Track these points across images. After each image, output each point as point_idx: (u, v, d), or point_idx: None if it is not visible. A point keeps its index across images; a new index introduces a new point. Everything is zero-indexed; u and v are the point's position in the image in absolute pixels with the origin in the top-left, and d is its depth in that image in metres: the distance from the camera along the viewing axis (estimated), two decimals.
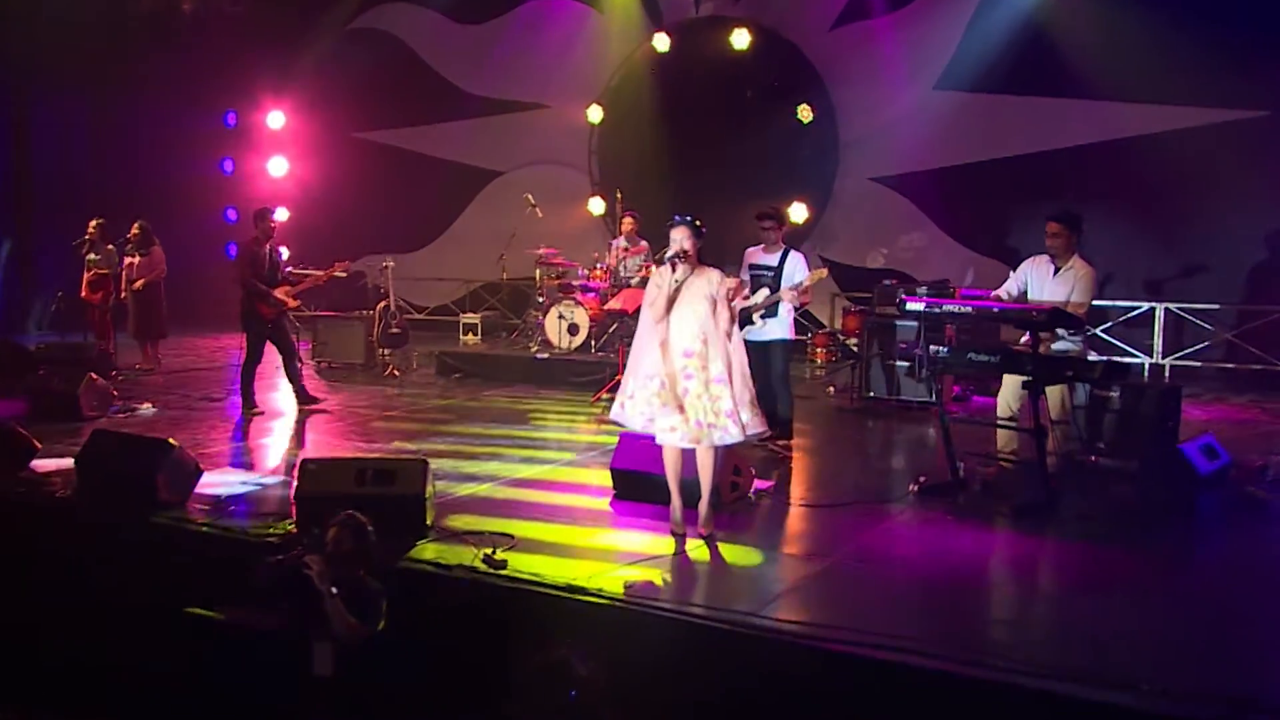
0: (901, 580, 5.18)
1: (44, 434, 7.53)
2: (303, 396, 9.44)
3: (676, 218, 5.71)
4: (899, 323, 9.28)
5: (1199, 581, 5.40)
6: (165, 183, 14.98)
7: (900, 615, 4.63)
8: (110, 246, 11.51)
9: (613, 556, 5.38)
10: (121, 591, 5.63)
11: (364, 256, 14.20)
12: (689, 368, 5.53)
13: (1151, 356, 11.75)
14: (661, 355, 5.59)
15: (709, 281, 5.59)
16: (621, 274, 11.57)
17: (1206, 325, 11.64)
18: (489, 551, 5.27)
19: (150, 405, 9.32)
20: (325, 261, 10.49)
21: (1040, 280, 6.60)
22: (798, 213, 13.21)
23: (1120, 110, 11.77)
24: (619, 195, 12.66)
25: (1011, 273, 6.86)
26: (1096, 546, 5.69)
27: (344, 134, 16.61)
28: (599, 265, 11.96)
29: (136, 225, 11.57)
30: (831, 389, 10.77)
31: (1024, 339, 6.57)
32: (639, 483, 6.26)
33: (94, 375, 8.97)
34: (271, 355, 9.41)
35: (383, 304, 11.92)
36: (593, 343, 11.53)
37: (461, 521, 5.86)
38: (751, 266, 7.66)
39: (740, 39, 13.52)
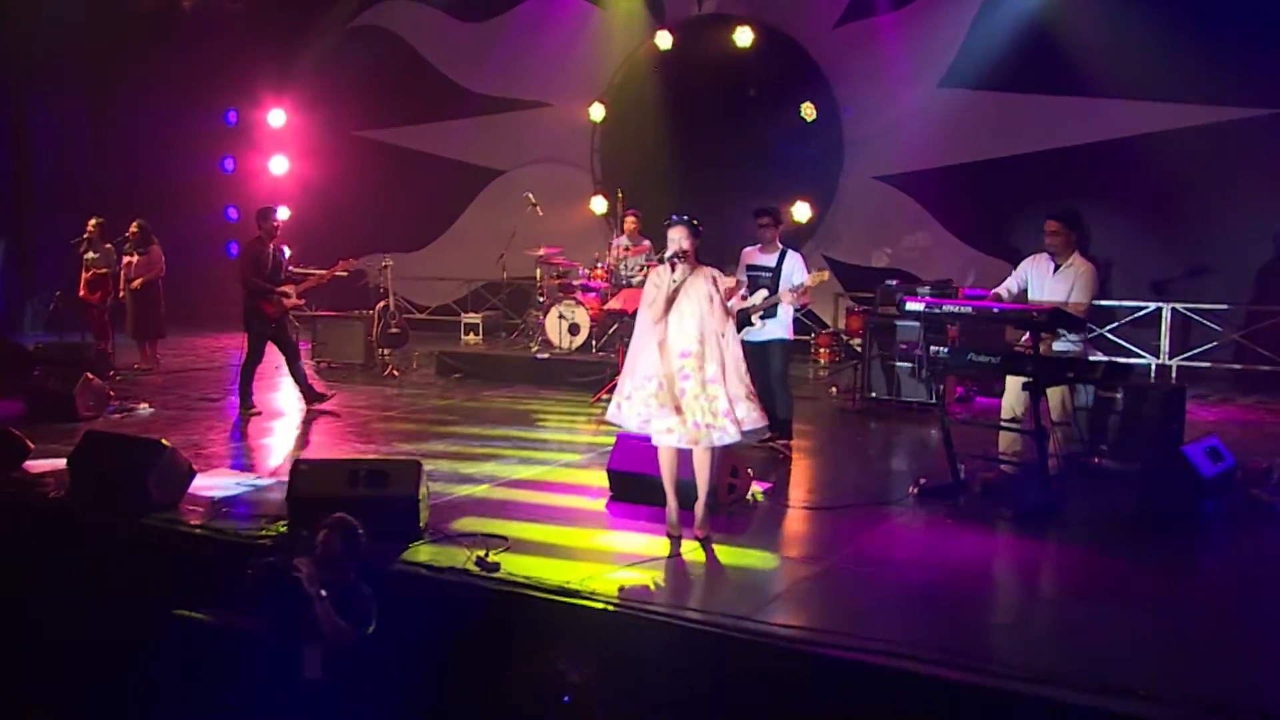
0: (900, 584, 5.11)
1: (39, 434, 7.52)
2: (309, 394, 9.38)
3: (674, 217, 5.66)
4: (899, 323, 9.21)
5: (1201, 586, 5.33)
6: (166, 181, 14.95)
7: (898, 620, 4.58)
8: (109, 246, 11.47)
9: (607, 559, 5.33)
10: (112, 593, 5.59)
11: (365, 255, 14.10)
12: (686, 368, 5.48)
13: (1158, 357, 11.65)
14: (659, 356, 5.53)
15: (707, 281, 5.54)
16: (622, 273, 11.51)
17: (1214, 326, 11.54)
18: (482, 554, 5.22)
19: (147, 405, 9.28)
20: (326, 260, 10.44)
21: (1040, 279, 6.54)
22: (801, 212, 13.16)
23: (1127, 108, 11.67)
24: (620, 194, 12.59)
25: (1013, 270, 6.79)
26: (1097, 550, 5.62)
27: (345, 132, 16.56)
28: (600, 265, 11.89)
29: (135, 224, 11.53)
30: (834, 390, 10.69)
31: (1024, 339, 6.50)
32: (636, 484, 6.21)
33: (90, 375, 8.92)
34: (271, 356, 9.36)
35: (382, 304, 11.87)
36: (593, 343, 11.47)
37: (456, 523, 5.81)
38: (749, 267, 7.59)
39: (743, 37, 13.43)
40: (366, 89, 16.03)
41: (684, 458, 5.58)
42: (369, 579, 4.87)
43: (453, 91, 15.85)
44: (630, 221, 11.80)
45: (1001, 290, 6.72)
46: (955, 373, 8.33)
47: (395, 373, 11.58)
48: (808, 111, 13.29)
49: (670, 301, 5.51)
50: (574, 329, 11.47)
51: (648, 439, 5.66)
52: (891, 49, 12.96)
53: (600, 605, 4.73)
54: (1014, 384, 6.46)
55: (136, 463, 6.17)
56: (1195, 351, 11.60)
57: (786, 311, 7.55)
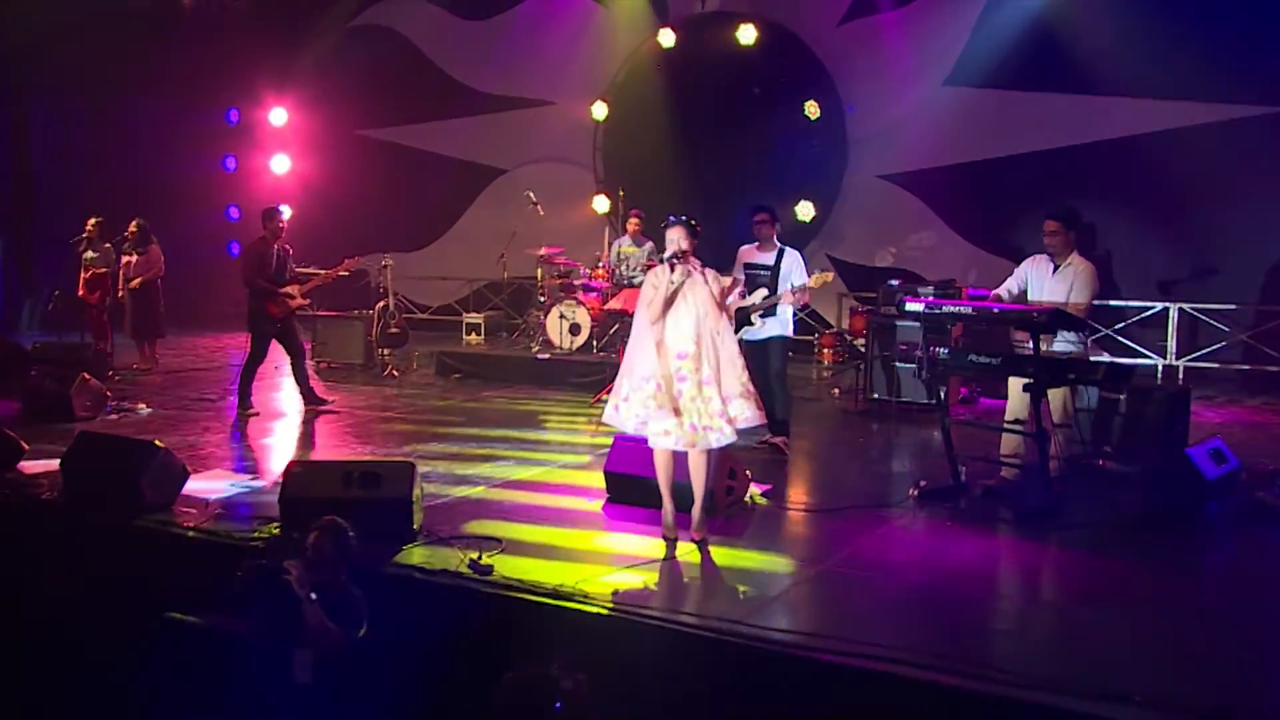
0: (898, 588, 5.05)
1: (36, 435, 7.51)
2: (309, 397, 9.33)
3: (671, 218, 5.63)
4: (900, 323, 9.14)
5: (1202, 590, 5.26)
6: (167, 181, 14.94)
7: (896, 624, 4.53)
8: (108, 245, 11.43)
9: (603, 561, 5.29)
10: (105, 595, 5.55)
11: (368, 255, 14.06)
12: (683, 369, 5.43)
13: (1165, 358, 11.54)
14: (657, 356, 5.47)
15: (705, 282, 5.48)
16: (624, 273, 11.44)
17: (1222, 326, 11.43)
18: (475, 556, 5.18)
19: (145, 406, 9.23)
20: (327, 260, 10.40)
21: (1039, 279, 6.48)
22: (804, 211, 13.09)
23: (1133, 106, 11.58)
24: (621, 193, 12.54)
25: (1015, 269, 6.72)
26: (1098, 553, 5.55)
27: (347, 131, 16.55)
28: (601, 264, 11.83)
29: (134, 223, 11.48)
30: (836, 391, 10.62)
31: (1022, 339, 6.43)
32: (632, 486, 6.16)
33: (87, 375, 8.88)
34: (271, 356, 9.32)
35: (381, 303, 11.82)
36: (594, 343, 11.40)
37: (450, 525, 5.77)
38: (747, 265, 7.52)
39: (746, 34, 13.36)
40: (368, 88, 16.02)
41: (680, 460, 5.53)
42: (361, 582, 4.82)
43: (455, 90, 15.81)
44: (633, 223, 11.74)
45: (1001, 292, 6.66)
46: (956, 374, 8.26)
47: (395, 373, 11.53)
48: (811, 110, 13.22)
49: (668, 302, 5.46)
50: (575, 329, 11.41)
51: (644, 441, 5.60)
52: (896, 47, 12.87)
53: (594, 609, 4.67)
54: (1016, 385, 6.39)
55: (130, 464, 6.14)
56: (1203, 352, 11.50)
57: (786, 309, 7.49)
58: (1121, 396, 6.72)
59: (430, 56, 16.04)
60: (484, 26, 15.61)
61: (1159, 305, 11.61)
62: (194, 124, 16.10)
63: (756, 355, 7.52)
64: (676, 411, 5.37)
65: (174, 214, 13.67)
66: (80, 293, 11.43)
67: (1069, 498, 6.16)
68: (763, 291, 7.37)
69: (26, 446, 7.02)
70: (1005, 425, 6.55)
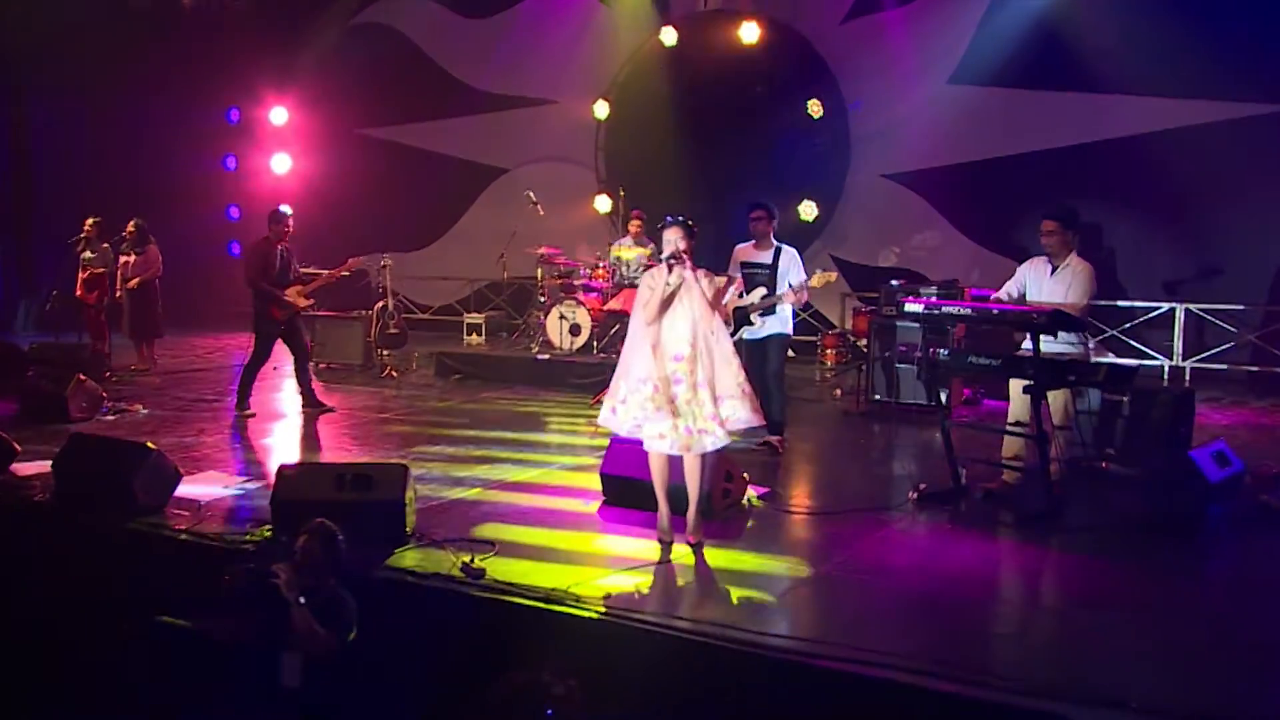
0: (897, 592, 4.98)
1: (32, 436, 7.48)
2: (310, 399, 9.27)
3: (668, 218, 5.57)
4: (900, 324, 9.05)
5: (1204, 595, 5.18)
6: (167, 180, 14.93)
7: (894, 629, 4.47)
8: (106, 245, 11.37)
9: (597, 565, 5.24)
10: (96, 597, 5.51)
11: (368, 254, 14.02)
12: (678, 372, 5.38)
13: (1172, 359, 11.44)
14: (653, 358, 5.41)
15: (701, 283, 5.41)
16: (624, 273, 11.38)
17: (1229, 327, 11.32)
18: (468, 559, 5.13)
19: (142, 407, 9.19)
20: (328, 259, 10.34)
21: (1038, 281, 6.42)
22: (808, 210, 13.02)
23: (1139, 105, 11.47)
24: (622, 193, 12.47)
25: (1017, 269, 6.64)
26: (1098, 557, 5.49)
27: (348, 130, 16.51)
28: (601, 264, 11.76)
29: (132, 223, 11.43)
30: (838, 392, 10.54)
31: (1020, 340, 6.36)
32: (629, 489, 6.10)
33: (82, 376, 8.84)
34: (272, 358, 9.28)
35: (381, 304, 11.76)
36: (595, 344, 11.33)
37: (444, 528, 5.71)
38: (744, 264, 7.45)
39: (749, 33, 13.27)
40: (369, 86, 15.97)
41: (676, 463, 5.47)
42: (352, 585, 4.77)
43: (456, 89, 15.75)
44: (635, 224, 11.67)
45: (1001, 295, 6.60)
46: (956, 375, 8.18)
47: (394, 374, 11.49)
48: (814, 109, 13.13)
49: (665, 304, 5.41)
50: (575, 329, 11.35)
51: (641, 443, 5.54)
52: (900, 45, 12.78)
53: (587, 613, 4.62)
54: (1017, 387, 6.32)
55: (122, 466, 6.10)
56: (1210, 353, 11.39)
57: (786, 308, 7.43)
58: (1125, 398, 6.64)
59: (431, 55, 15.98)
60: (485, 25, 15.55)
61: (1165, 306, 11.51)
62: (194, 123, 16.09)
63: (756, 354, 7.47)
64: (674, 414, 5.31)
65: (174, 214, 13.64)
66: (78, 293, 11.39)
67: (1070, 500, 6.10)
68: (761, 290, 7.30)
69: (19, 448, 6.98)
70: (1006, 427, 6.47)
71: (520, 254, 12.67)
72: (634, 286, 10.74)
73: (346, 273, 9.89)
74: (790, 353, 11.83)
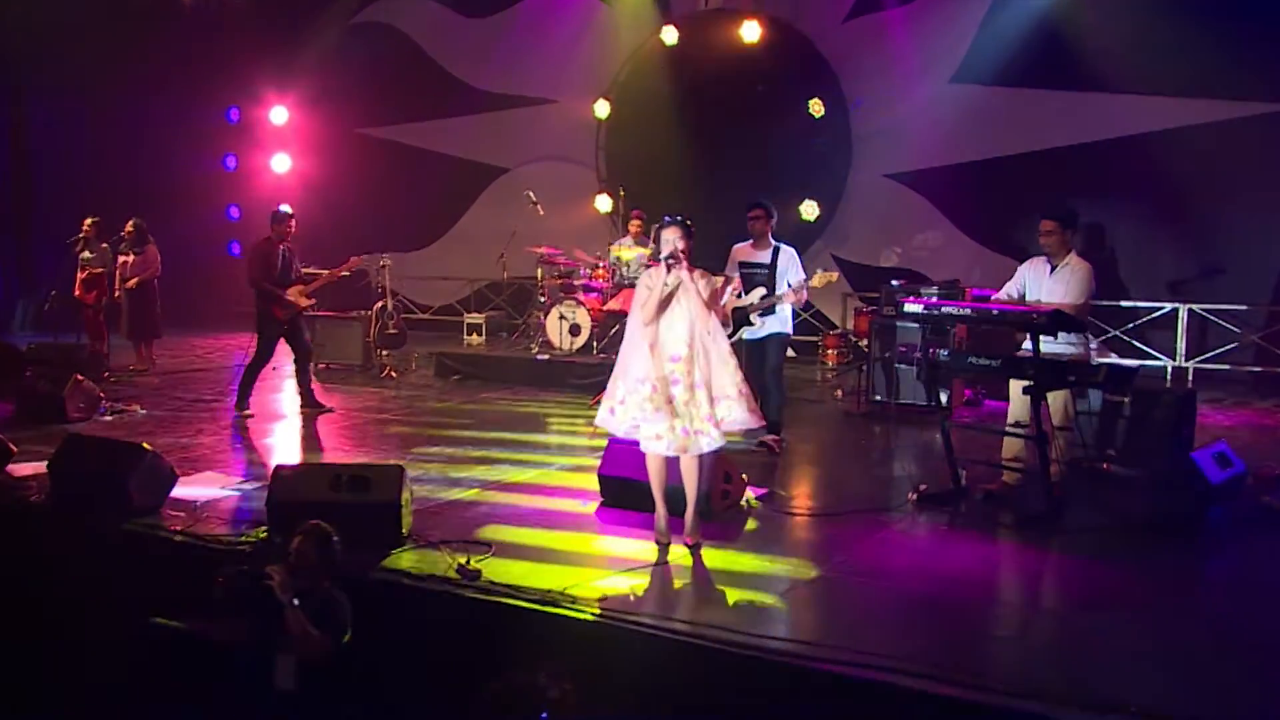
0: (896, 594, 4.94)
1: (29, 437, 7.46)
2: (308, 399, 9.25)
3: (666, 218, 5.53)
4: (900, 324, 9.00)
5: (1205, 598, 5.15)
6: (167, 180, 14.91)
7: (893, 632, 4.43)
8: (104, 245, 11.34)
9: (594, 566, 5.20)
10: (91, 599, 5.47)
11: (369, 254, 13.99)
12: (675, 372, 5.34)
13: (1175, 359, 11.39)
14: (651, 358, 5.37)
15: (698, 283, 5.38)
16: (624, 274, 11.34)
17: (1233, 327, 11.26)
18: (463, 561, 5.09)
19: (139, 407, 9.16)
20: (329, 259, 10.32)
21: (1037, 281, 6.39)
22: (809, 210, 12.98)
23: (1142, 104, 11.42)
24: (622, 193, 12.44)
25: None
26: (1097, 559, 5.45)
27: (348, 129, 16.49)
28: (601, 264, 11.73)
29: (131, 223, 11.40)
30: (839, 392, 10.49)
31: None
32: (627, 490, 6.06)
33: (79, 377, 8.81)
34: (274, 359, 9.26)
35: (380, 304, 11.72)
36: (595, 344, 11.29)
37: (441, 529, 5.68)
38: (742, 264, 7.41)
39: (750, 31, 13.23)
40: (369, 86, 15.96)
41: (673, 464, 5.44)
42: (347, 587, 4.74)
43: (456, 88, 15.72)
44: (635, 224, 11.64)
45: (1001, 295, 6.58)
46: (956, 376, 8.14)
47: (393, 374, 11.45)
48: (816, 108, 13.09)
49: (663, 305, 5.37)
50: (575, 330, 11.32)
51: (638, 444, 5.50)
52: (902, 44, 12.74)
53: (583, 615, 4.58)
54: (1017, 388, 6.28)
55: (117, 467, 6.07)
56: (1213, 354, 11.34)
57: (785, 307, 7.38)
58: (1126, 399, 6.59)
59: (431, 54, 15.96)
60: (485, 24, 15.52)
61: (1168, 306, 11.46)
62: (194, 123, 16.07)
63: (755, 354, 7.44)
64: (673, 414, 5.28)
65: (174, 213, 13.61)
66: (77, 293, 11.36)
67: (1070, 502, 6.06)
68: (760, 291, 7.26)
69: (15, 449, 6.96)
70: (1005, 428, 6.43)
71: (520, 254, 12.63)
72: (634, 286, 10.73)
73: (347, 272, 9.86)
74: (791, 353, 11.82)
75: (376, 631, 4.72)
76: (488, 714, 4.24)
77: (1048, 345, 5.92)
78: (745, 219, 7.60)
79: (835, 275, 7.37)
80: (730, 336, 7.31)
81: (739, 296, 7.27)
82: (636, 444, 5.52)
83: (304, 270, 9.30)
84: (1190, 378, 11.22)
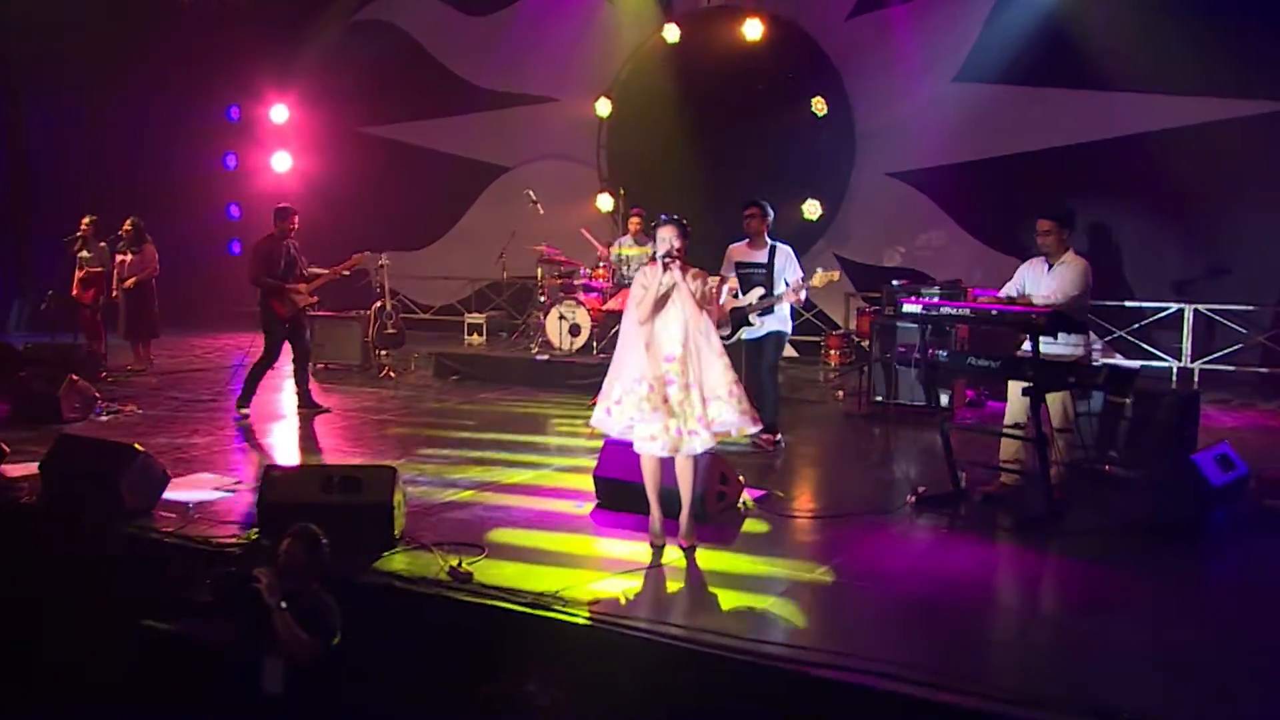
0: (894, 598, 4.87)
1: (24, 437, 7.42)
2: (306, 400, 9.21)
3: (663, 216, 5.50)
4: (900, 324, 8.92)
5: (1206, 601, 5.08)
6: (167, 178, 14.89)
7: (891, 637, 4.37)
8: (103, 244, 11.30)
9: (587, 568, 5.15)
10: (80, 599, 5.44)
11: (370, 253, 13.97)
12: (670, 373, 5.29)
13: (1180, 360, 11.29)
14: (646, 357, 5.32)
15: (695, 282, 5.33)
16: (625, 272, 11.28)
17: (1239, 328, 11.16)
18: (455, 563, 5.02)
19: (136, 407, 9.12)
20: (329, 258, 10.24)
21: (1035, 281, 6.35)
22: (812, 209, 12.90)
23: (1147, 102, 11.32)
24: (622, 192, 12.38)
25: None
26: (1097, 563, 5.39)
27: (349, 128, 16.44)
28: (601, 264, 11.66)
29: (129, 222, 11.36)
30: (840, 393, 10.41)
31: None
32: (622, 491, 6.00)
33: (74, 377, 8.77)
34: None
35: (378, 304, 11.66)
36: (594, 344, 11.23)
37: (434, 530, 5.64)
38: (739, 265, 7.34)
39: (753, 29, 13.15)
40: (370, 84, 15.91)
41: (668, 465, 5.38)
42: (338, 590, 4.70)
43: (457, 86, 15.66)
44: (635, 222, 11.57)
45: (1001, 296, 6.52)
46: (956, 377, 8.06)
47: (392, 374, 11.39)
48: (819, 106, 13.01)
49: (659, 304, 5.32)
50: (575, 330, 11.26)
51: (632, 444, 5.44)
52: (905, 42, 12.65)
53: (574, 619, 4.52)
54: (1015, 389, 6.21)
55: (109, 468, 6.03)
56: (1219, 354, 11.24)
57: (785, 305, 7.31)
58: (1128, 401, 6.51)
59: (432, 52, 15.90)
60: (487, 22, 15.45)
61: (1174, 306, 11.36)
62: (194, 121, 16.04)
63: (753, 353, 7.38)
64: (670, 414, 5.23)
65: (174, 212, 13.59)
66: (74, 292, 11.32)
67: (1070, 504, 5.99)
68: (759, 291, 7.19)
69: (8, 449, 6.92)
70: (1004, 430, 6.35)
71: (522, 253, 12.57)
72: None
73: (347, 272, 9.80)
74: (794, 353, 11.76)
75: (367, 634, 4.67)
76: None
77: (1048, 346, 5.87)
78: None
79: (836, 274, 7.30)
80: (730, 338, 7.27)
81: (736, 297, 7.20)
82: (631, 445, 5.46)
83: (310, 270, 9.25)
84: (1196, 379, 11.12)
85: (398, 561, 5.19)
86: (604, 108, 14.49)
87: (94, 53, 14.01)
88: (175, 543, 5.60)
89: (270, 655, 4.47)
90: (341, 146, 16.38)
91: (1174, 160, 11.00)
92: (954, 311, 6.32)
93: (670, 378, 5.26)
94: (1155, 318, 11.48)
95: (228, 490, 6.54)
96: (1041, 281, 6.28)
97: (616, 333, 10.83)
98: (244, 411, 8.88)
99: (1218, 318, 11.22)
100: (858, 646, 4.11)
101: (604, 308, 11.21)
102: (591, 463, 6.55)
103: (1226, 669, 4.13)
